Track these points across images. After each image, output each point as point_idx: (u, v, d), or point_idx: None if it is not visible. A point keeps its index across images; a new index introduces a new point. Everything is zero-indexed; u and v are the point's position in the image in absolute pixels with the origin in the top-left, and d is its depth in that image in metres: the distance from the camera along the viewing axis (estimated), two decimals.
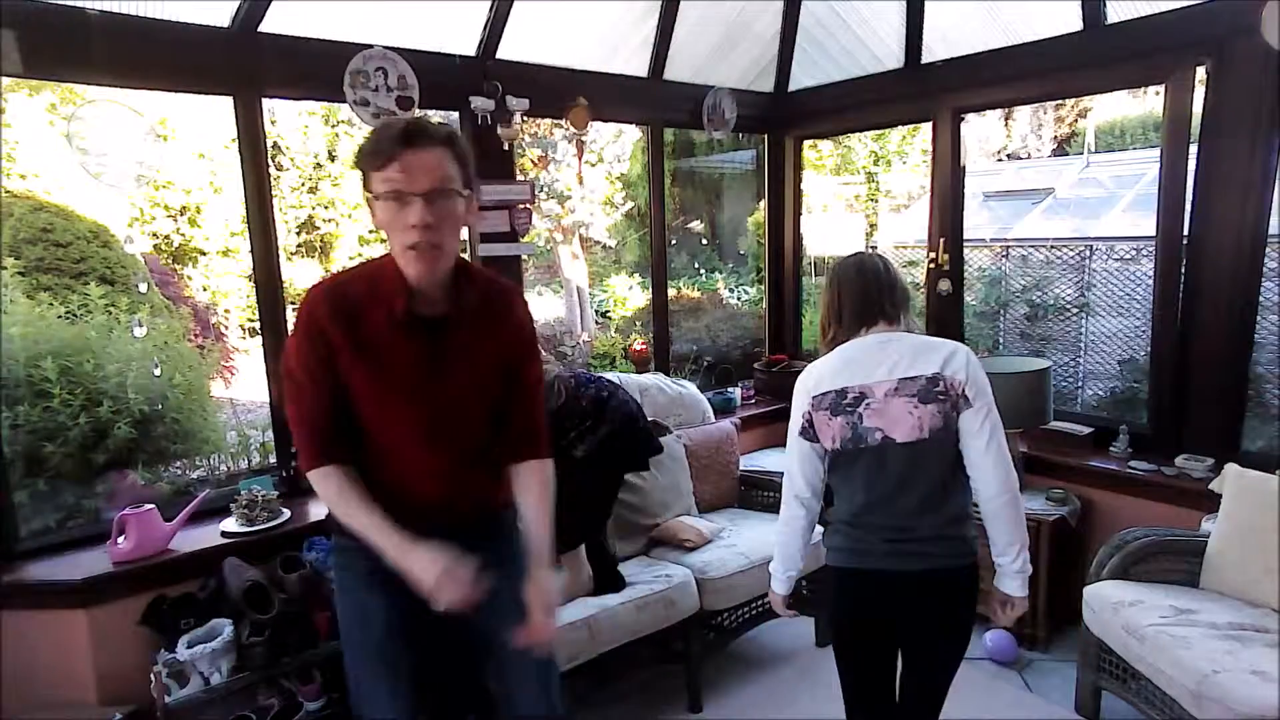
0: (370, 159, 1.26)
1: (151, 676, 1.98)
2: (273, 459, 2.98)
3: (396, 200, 1.24)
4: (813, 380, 1.59)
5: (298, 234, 7.65)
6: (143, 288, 4.18)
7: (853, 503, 1.58)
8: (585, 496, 2.32)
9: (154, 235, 6.54)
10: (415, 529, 1.40)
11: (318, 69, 2.48)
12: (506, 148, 2.97)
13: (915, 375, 1.51)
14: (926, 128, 3.35)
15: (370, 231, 8.62)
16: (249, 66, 2.36)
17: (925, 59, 3.30)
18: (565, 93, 3.09)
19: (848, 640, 1.68)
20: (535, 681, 1.53)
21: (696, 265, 8.18)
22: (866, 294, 1.61)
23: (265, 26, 2.37)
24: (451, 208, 1.28)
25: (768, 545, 2.61)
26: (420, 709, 1.48)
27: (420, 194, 1.24)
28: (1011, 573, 1.57)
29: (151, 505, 2.22)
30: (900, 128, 7.45)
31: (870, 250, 1.93)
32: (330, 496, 1.37)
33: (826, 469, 1.62)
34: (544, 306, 8.59)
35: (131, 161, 2.38)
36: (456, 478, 1.46)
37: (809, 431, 1.59)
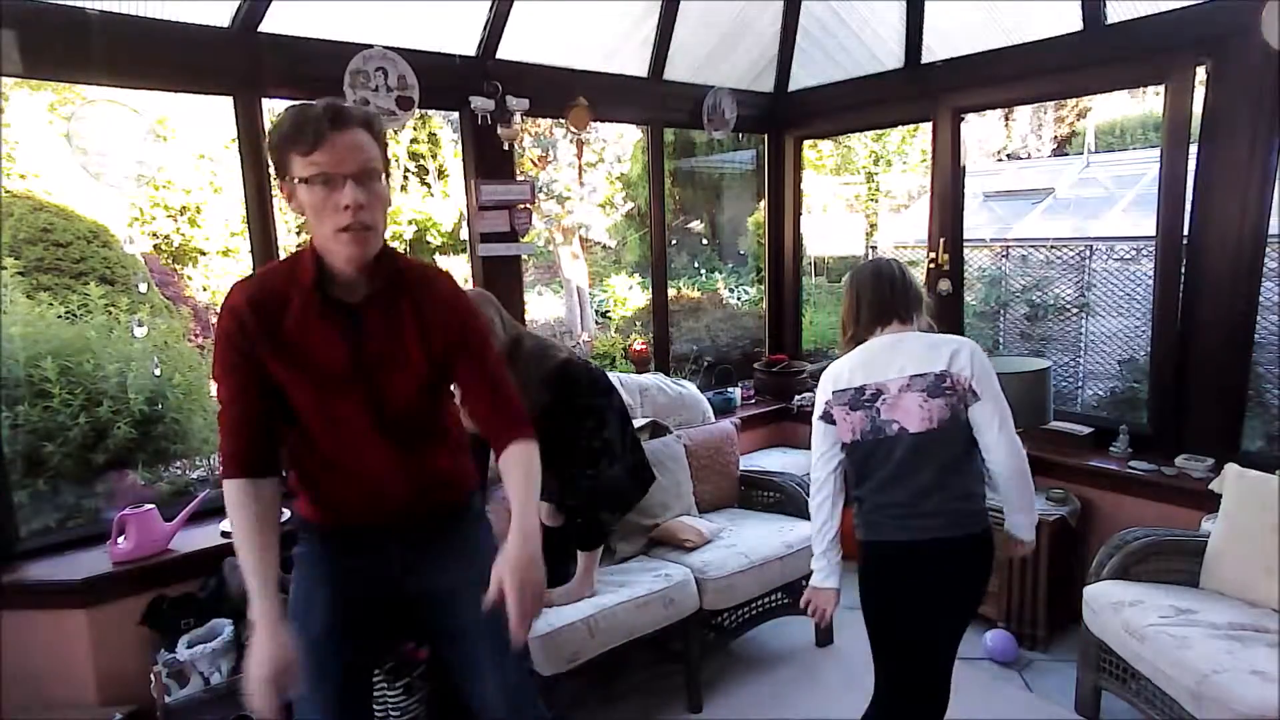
0: (293, 143, 1.22)
1: (151, 676, 1.98)
2: None
3: (325, 184, 1.22)
4: (832, 377, 1.77)
5: (297, 234, 7.66)
6: (143, 288, 4.17)
7: (871, 484, 1.74)
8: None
9: (154, 235, 6.54)
10: (374, 522, 1.45)
11: (318, 69, 2.48)
12: (506, 148, 2.97)
13: (925, 372, 1.68)
14: (926, 128, 3.35)
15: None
16: (249, 66, 2.36)
17: (925, 59, 3.30)
18: (565, 93, 3.09)
19: (875, 609, 1.81)
20: (504, 681, 1.49)
21: (696, 265, 8.18)
22: (882, 297, 1.80)
23: (265, 26, 2.37)
24: (379, 188, 1.28)
25: (768, 545, 2.62)
26: (342, 713, 1.44)
27: (350, 175, 1.22)
28: (1024, 525, 1.83)
29: (151, 505, 2.22)
30: (900, 128, 7.45)
31: (886, 256, 2.01)
32: (230, 510, 1.34)
33: (845, 455, 1.79)
34: (544, 306, 8.60)
35: (131, 161, 2.37)
36: (406, 466, 1.43)
37: (829, 417, 1.78)
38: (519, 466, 1.42)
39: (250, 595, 1.28)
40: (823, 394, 1.79)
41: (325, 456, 1.40)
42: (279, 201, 2.49)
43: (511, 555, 1.29)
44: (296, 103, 1.28)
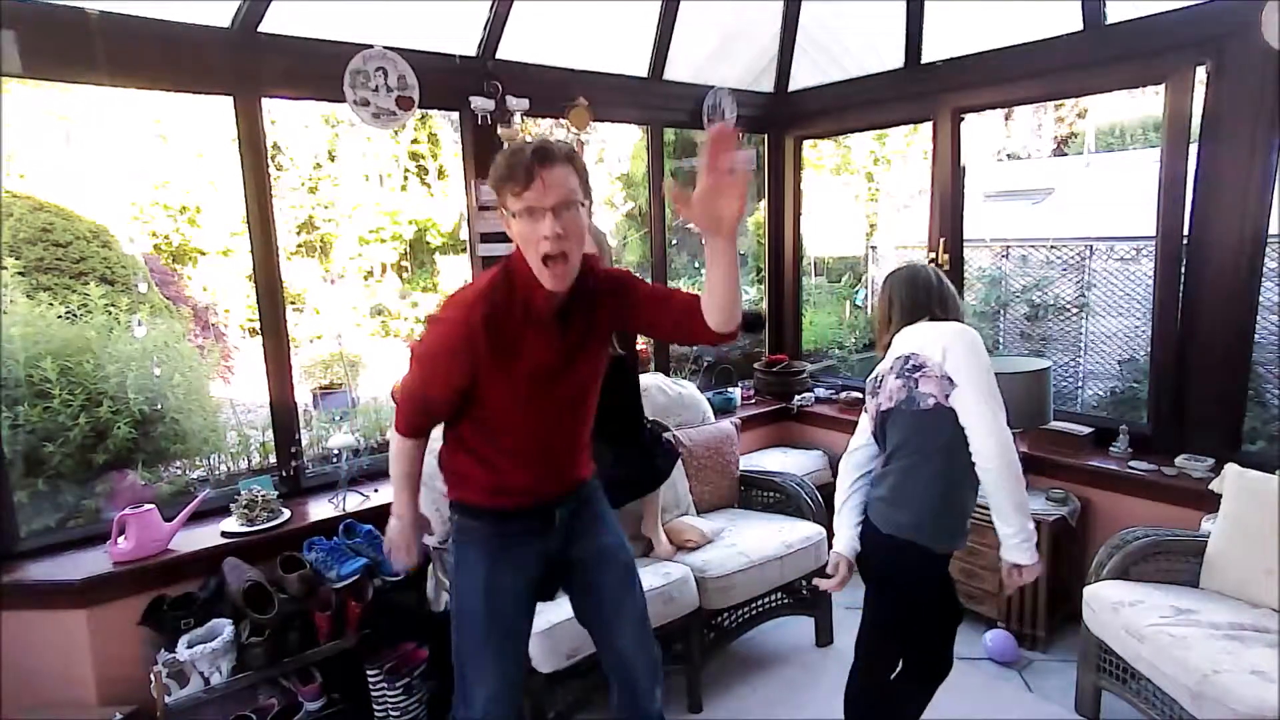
0: (507, 182, 1.38)
1: (151, 676, 1.98)
2: (273, 459, 2.98)
3: (530, 216, 1.36)
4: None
5: (297, 234, 7.66)
6: (142, 288, 4.18)
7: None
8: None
9: (154, 235, 6.54)
10: (547, 498, 1.63)
11: (318, 69, 2.48)
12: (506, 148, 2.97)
13: (905, 354, 1.76)
14: (926, 128, 3.35)
15: (371, 232, 8.63)
16: (249, 66, 2.36)
17: (925, 59, 3.30)
18: (565, 93, 3.09)
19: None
20: (641, 635, 1.76)
21: (696, 265, 8.18)
22: (916, 300, 1.84)
23: (265, 26, 2.37)
24: (577, 217, 1.40)
25: (768, 545, 2.62)
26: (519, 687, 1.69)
27: (549, 208, 1.36)
28: (1013, 543, 1.68)
29: (151, 505, 2.22)
30: (900, 128, 7.45)
31: (922, 262, 2.08)
32: (397, 454, 1.61)
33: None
34: None
35: (131, 160, 2.38)
36: (577, 444, 1.64)
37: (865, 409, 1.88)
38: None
39: (397, 499, 1.65)
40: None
41: (517, 443, 1.56)
42: (278, 202, 2.49)
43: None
44: (513, 144, 1.43)
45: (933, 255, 3.36)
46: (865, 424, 1.91)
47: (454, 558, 1.67)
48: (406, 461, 1.63)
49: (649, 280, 2.33)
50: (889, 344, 1.86)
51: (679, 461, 2.88)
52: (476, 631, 1.61)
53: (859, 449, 1.92)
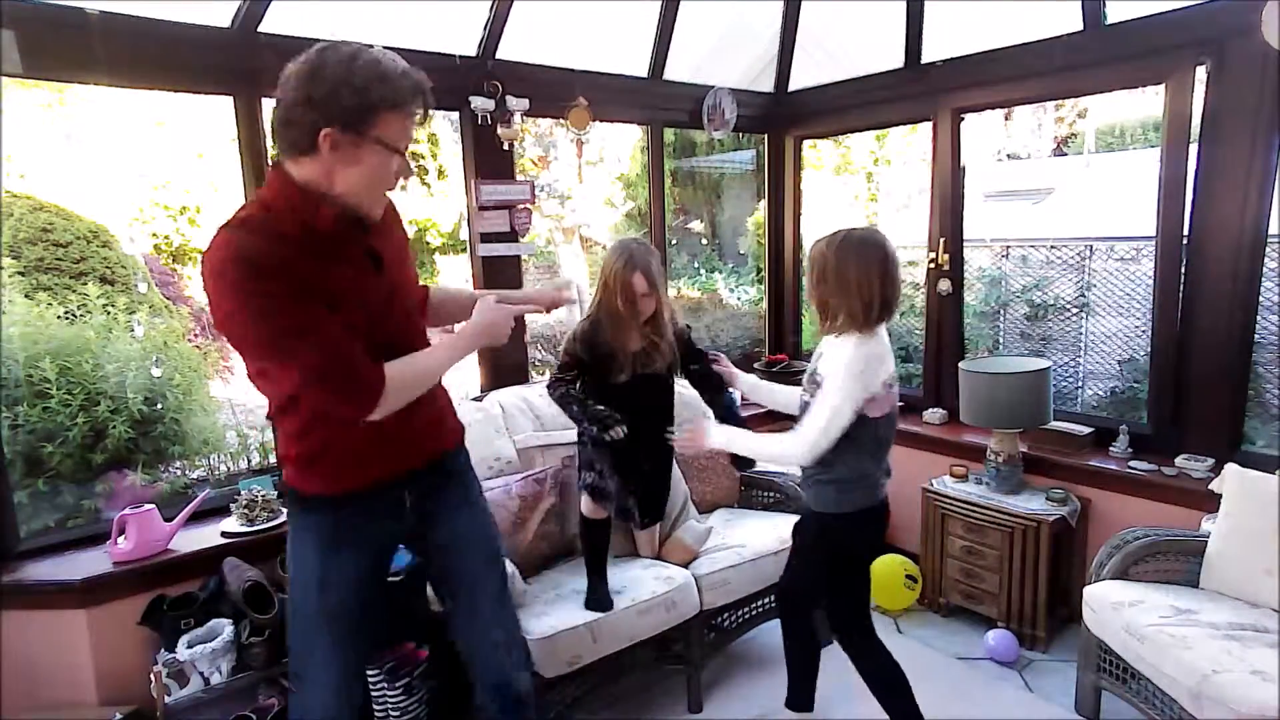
0: (401, 106, 1.25)
1: (151, 676, 1.98)
2: (272, 459, 2.98)
3: (398, 153, 1.29)
4: (878, 358, 1.81)
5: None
6: (142, 288, 4.17)
7: (883, 454, 1.93)
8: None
9: (154, 235, 6.53)
10: (395, 473, 1.49)
11: None
12: (506, 148, 2.97)
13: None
14: (926, 128, 3.35)
15: None
16: (249, 66, 2.36)
17: (925, 59, 3.30)
18: (565, 93, 3.09)
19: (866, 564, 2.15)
20: (500, 635, 1.64)
21: (696, 265, 8.18)
22: (897, 285, 1.81)
23: (265, 27, 2.37)
24: None
25: (762, 542, 2.62)
26: (360, 676, 1.57)
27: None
28: (727, 436, 2.03)
29: (151, 505, 2.22)
30: (900, 128, 7.45)
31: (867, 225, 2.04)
32: (405, 387, 1.37)
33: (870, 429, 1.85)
34: None
35: (131, 160, 2.38)
36: (417, 417, 1.47)
37: (873, 399, 1.81)
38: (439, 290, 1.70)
39: (460, 346, 1.50)
40: (877, 376, 1.81)
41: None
42: None
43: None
44: (369, 50, 1.25)
45: (933, 255, 3.36)
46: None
47: (289, 548, 1.53)
48: (418, 374, 1.41)
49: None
50: (877, 324, 1.81)
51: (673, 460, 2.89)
52: (310, 627, 1.48)
53: None
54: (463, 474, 1.65)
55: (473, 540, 1.63)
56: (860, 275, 1.75)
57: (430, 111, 1.29)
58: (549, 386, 2.29)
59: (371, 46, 1.27)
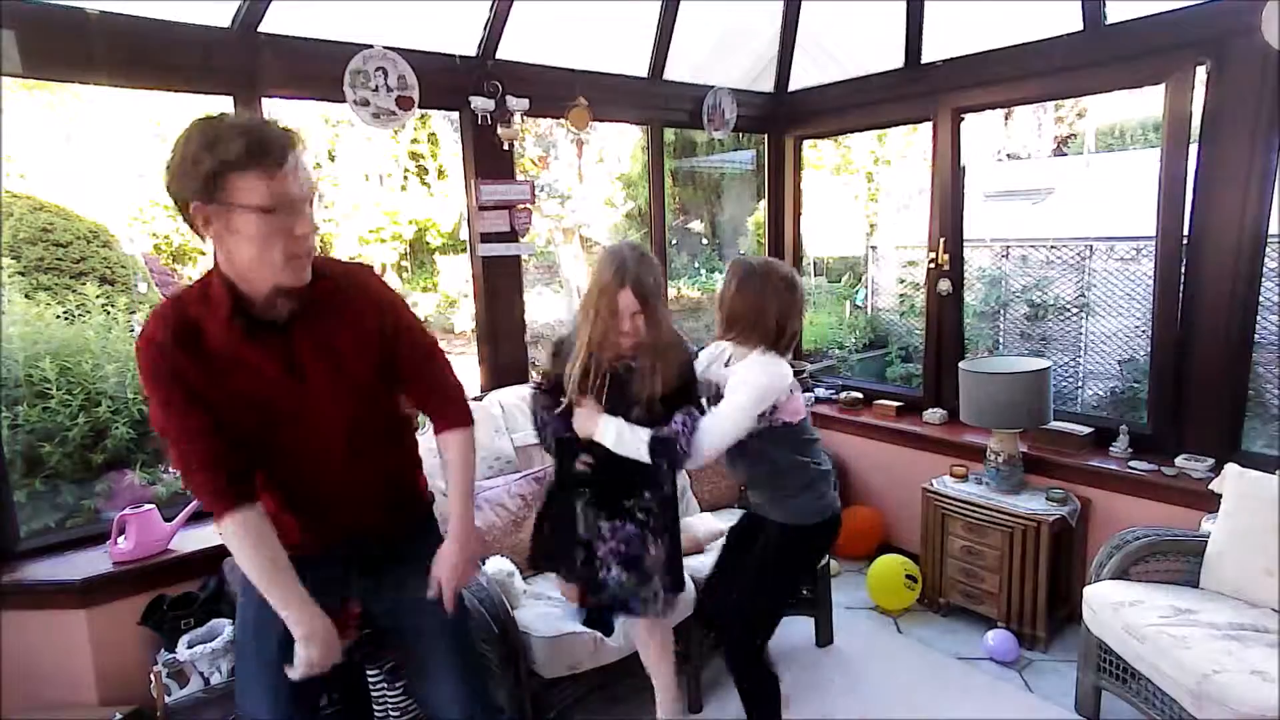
0: (248, 165, 1.13)
1: (151, 676, 1.98)
2: None
3: (287, 211, 1.17)
4: (785, 370, 1.86)
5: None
6: (142, 287, 4.17)
7: (824, 467, 1.97)
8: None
9: (154, 235, 6.54)
10: (330, 546, 1.41)
11: (318, 69, 2.47)
12: (506, 148, 2.97)
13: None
14: (926, 128, 3.35)
15: (371, 232, 8.63)
16: (249, 66, 2.36)
17: (925, 59, 3.30)
18: (565, 93, 3.09)
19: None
20: (462, 695, 1.49)
21: (696, 265, 8.18)
22: (790, 330, 1.90)
23: (265, 26, 2.37)
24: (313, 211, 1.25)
25: None
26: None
27: (306, 199, 1.20)
28: (617, 435, 1.79)
29: (151, 505, 2.22)
30: (900, 128, 7.46)
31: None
32: (240, 547, 1.27)
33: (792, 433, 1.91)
34: (544, 306, 8.60)
35: (131, 160, 2.38)
36: (360, 479, 1.41)
37: (778, 403, 1.86)
38: (454, 451, 1.47)
39: (285, 610, 1.29)
40: (785, 382, 1.84)
41: (276, 481, 1.37)
42: None
43: (448, 558, 1.39)
44: (212, 118, 1.18)
45: (933, 255, 3.36)
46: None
47: (240, 587, 1.47)
48: (257, 552, 1.27)
49: None
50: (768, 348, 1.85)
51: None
52: (248, 667, 1.44)
53: None
54: (421, 555, 1.49)
55: (420, 625, 1.49)
56: (759, 303, 1.85)
57: (287, 160, 1.16)
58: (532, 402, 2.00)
59: (223, 116, 1.20)
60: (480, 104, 2.82)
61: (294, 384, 1.30)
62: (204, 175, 1.13)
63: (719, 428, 1.79)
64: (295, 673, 1.29)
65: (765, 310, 1.84)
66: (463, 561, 1.43)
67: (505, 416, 2.74)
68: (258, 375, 1.28)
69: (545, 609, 2.23)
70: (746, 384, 1.80)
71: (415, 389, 1.48)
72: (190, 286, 1.30)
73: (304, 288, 1.27)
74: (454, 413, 1.50)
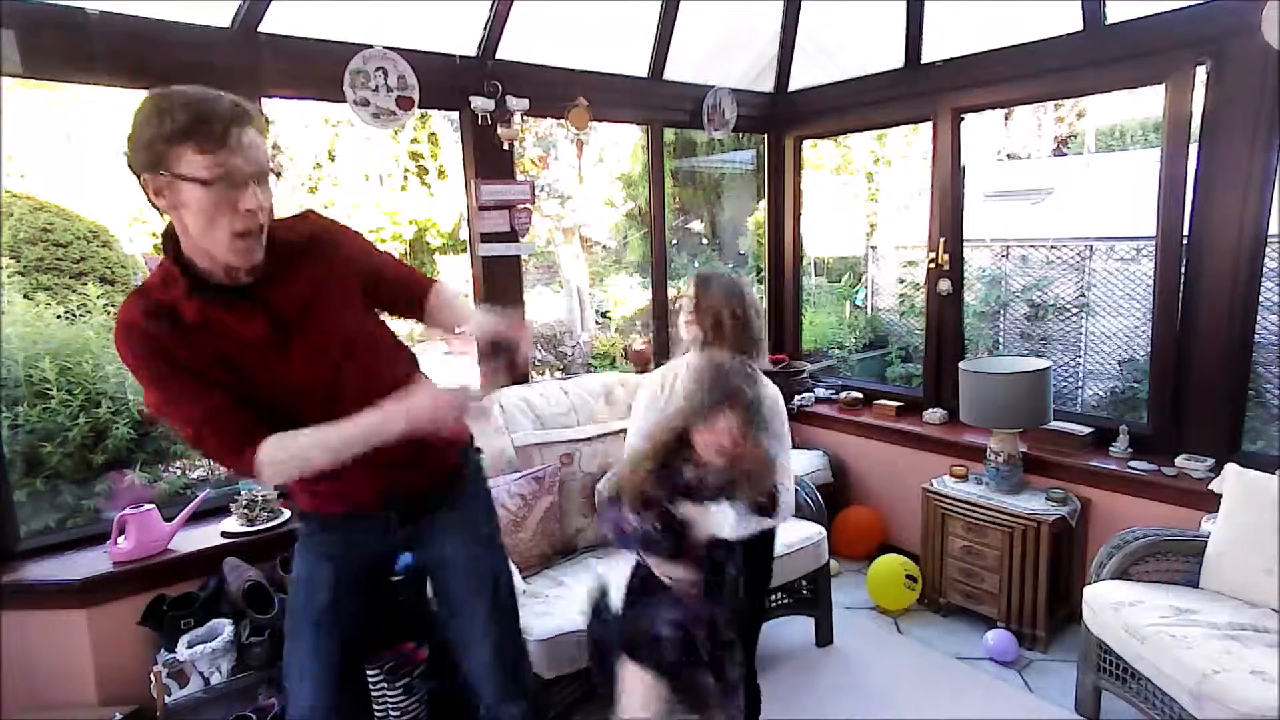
0: (189, 137, 1.12)
1: (151, 676, 1.98)
2: None
3: (228, 184, 1.15)
4: None
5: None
6: None
7: None
8: None
9: (154, 235, 6.53)
10: (376, 496, 1.45)
11: (318, 69, 2.48)
12: (506, 148, 2.97)
13: None
14: (926, 128, 3.35)
15: (371, 232, 8.62)
16: (249, 66, 2.36)
17: (925, 59, 3.30)
18: (565, 93, 3.09)
19: None
20: (497, 659, 1.56)
21: (697, 265, 8.17)
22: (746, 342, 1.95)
23: (265, 26, 2.37)
24: (269, 188, 1.24)
25: None
26: (342, 689, 1.52)
27: (253, 176, 1.18)
28: None
29: (151, 505, 2.22)
30: (900, 128, 7.45)
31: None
32: (282, 464, 1.27)
33: None
34: (544, 306, 8.59)
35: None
36: (382, 451, 1.39)
37: None
38: (445, 301, 1.55)
39: (359, 438, 1.28)
40: None
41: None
42: (278, 202, 2.48)
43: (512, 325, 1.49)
44: (163, 90, 1.17)
45: (933, 255, 3.36)
46: None
47: (294, 558, 1.57)
48: (311, 447, 1.27)
49: (649, 279, 2.26)
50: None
51: None
52: (294, 624, 1.51)
53: None
54: (462, 503, 1.58)
55: (460, 567, 1.56)
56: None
57: (230, 134, 1.15)
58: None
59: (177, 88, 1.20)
60: (480, 104, 2.82)
61: (283, 340, 1.30)
62: (150, 146, 1.14)
63: None
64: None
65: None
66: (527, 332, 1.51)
67: (505, 416, 2.74)
68: (240, 340, 1.27)
69: (542, 607, 2.23)
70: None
71: (396, 299, 1.53)
72: (150, 275, 1.31)
73: (266, 254, 1.27)
74: (426, 282, 1.57)
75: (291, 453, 1.27)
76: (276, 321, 1.30)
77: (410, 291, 1.55)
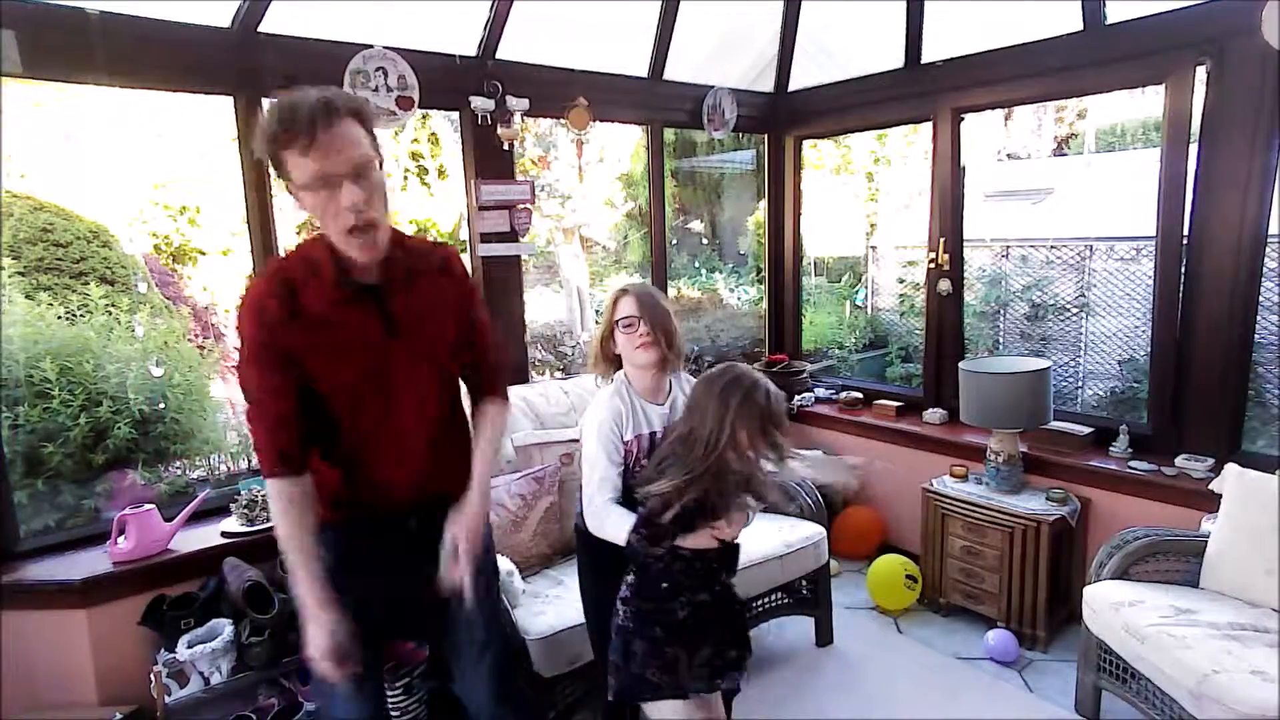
0: (285, 144, 1.19)
1: (151, 676, 1.98)
2: None
3: (325, 186, 1.21)
4: None
5: (298, 233, 7.66)
6: (142, 288, 4.17)
7: None
8: None
9: (154, 235, 6.53)
10: (400, 505, 1.48)
11: (318, 69, 2.47)
12: (506, 148, 2.97)
13: None
14: (926, 128, 3.35)
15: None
16: (249, 66, 2.36)
17: (925, 59, 3.30)
18: (565, 93, 3.09)
19: None
20: (484, 660, 1.58)
21: (696, 265, 8.17)
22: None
23: (265, 26, 2.37)
24: (378, 180, 1.27)
25: (767, 544, 2.62)
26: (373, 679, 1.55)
27: (346, 175, 1.21)
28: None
29: (151, 505, 2.22)
30: (900, 128, 7.45)
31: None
32: (279, 507, 1.35)
33: None
34: (544, 306, 8.59)
35: (131, 160, 2.38)
36: (430, 453, 1.48)
37: None
38: (489, 422, 1.56)
39: (298, 585, 1.32)
40: None
41: (361, 438, 1.42)
42: (278, 202, 2.49)
43: (469, 516, 1.42)
44: (284, 95, 1.24)
45: (933, 255, 3.36)
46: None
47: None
48: (286, 516, 1.33)
49: (648, 280, 2.26)
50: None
51: None
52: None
53: None
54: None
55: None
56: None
57: (317, 135, 1.19)
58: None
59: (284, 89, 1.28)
60: (480, 104, 2.82)
61: (390, 342, 1.38)
62: (265, 153, 1.24)
63: None
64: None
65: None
66: (480, 522, 1.47)
67: None
68: (356, 333, 1.35)
69: (540, 606, 2.23)
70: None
71: (470, 360, 1.57)
72: (289, 253, 1.40)
73: (393, 256, 1.36)
74: (500, 386, 1.63)
75: (276, 518, 1.35)
76: (393, 323, 1.38)
77: (476, 368, 1.59)
